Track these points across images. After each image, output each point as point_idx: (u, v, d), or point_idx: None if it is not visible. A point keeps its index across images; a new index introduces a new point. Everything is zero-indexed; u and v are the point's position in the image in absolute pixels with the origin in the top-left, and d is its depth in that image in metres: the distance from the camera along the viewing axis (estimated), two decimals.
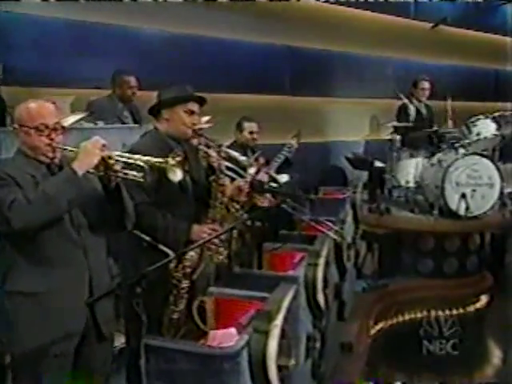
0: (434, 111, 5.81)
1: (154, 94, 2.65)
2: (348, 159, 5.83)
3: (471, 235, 5.00)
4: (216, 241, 2.42)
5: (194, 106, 2.56)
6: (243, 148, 4.34)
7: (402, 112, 5.57)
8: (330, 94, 6.27)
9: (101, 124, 3.41)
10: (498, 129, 4.96)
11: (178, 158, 2.09)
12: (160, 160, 2.06)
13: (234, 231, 2.54)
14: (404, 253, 4.96)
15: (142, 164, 2.01)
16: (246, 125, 4.34)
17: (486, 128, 4.94)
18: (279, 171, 4.61)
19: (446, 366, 3.50)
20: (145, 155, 2.07)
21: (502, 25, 8.12)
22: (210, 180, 2.56)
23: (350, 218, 3.85)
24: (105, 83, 4.25)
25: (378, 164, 5.54)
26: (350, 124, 6.36)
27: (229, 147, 4.29)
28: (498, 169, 4.76)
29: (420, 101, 5.72)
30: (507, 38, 7.93)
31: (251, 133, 4.33)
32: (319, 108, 6.18)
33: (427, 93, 5.70)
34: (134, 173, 2.00)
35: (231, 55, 5.27)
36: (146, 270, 1.67)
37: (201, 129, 3.04)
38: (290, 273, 2.46)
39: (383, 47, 6.64)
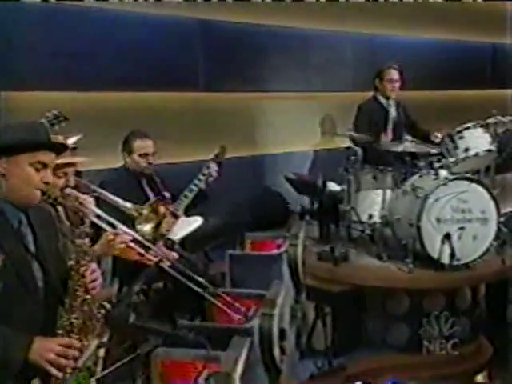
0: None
1: None
2: (289, 181, 5.80)
3: (460, 291, 5.02)
4: (71, 363, 2.20)
5: (47, 157, 2.33)
6: (136, 176, 4.20)
7: (363, 114, 5.58)
8: (263, 88, 6.25)
9: None
10: (493, 141, 4.99)
11: None
12: None
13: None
14: (368, 318, 4.94)
15: None
16: (136, 144, 4.34)
17: (477, 141, 4.96)
18: (190, 209, 4.48)
19: None
20: None
21: None
22: (68, 266, 2.35)
23: (286, 284, 3.72)
24: None
25: (333, 187, 5.53)
26: (293, 129, 6.34)
27: (115, 176, 4.17)
28: (494, 198, 4.80)
29: (388, 97, 5.70)
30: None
31: (144, 155, 4.22)
32: (248, 108, 6.16)
33: (397, 85, 5.71)
34: None
35: (115, 33, 5.11)
36: None
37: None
38: None
39: (339, 19, 6.63)
